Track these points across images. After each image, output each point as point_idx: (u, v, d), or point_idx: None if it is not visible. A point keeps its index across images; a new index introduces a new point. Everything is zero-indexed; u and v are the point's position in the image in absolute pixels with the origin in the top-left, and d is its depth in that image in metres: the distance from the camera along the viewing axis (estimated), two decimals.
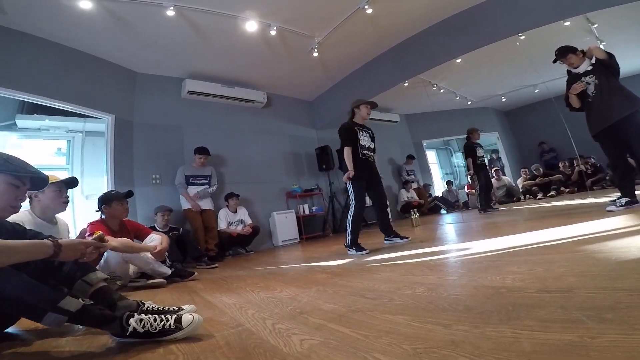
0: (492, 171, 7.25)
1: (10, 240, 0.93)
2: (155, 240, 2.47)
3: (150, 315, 1.10)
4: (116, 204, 2.38)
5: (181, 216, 4.20)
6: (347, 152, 2.87)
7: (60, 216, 2.07)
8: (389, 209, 3.40)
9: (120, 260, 2.25)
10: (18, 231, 1.18)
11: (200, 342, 1.03)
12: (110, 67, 4.21)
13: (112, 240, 2.17)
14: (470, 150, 4.80)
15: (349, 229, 2.82)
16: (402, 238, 2.90)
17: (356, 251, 2.71)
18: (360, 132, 2.98)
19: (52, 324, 0.97)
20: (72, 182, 1.97)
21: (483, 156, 4.87)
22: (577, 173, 6.19)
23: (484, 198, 4.76)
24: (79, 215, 4.82)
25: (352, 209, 2.86)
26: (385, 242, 2.96)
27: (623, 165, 2.61)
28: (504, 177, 7.01)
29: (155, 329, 1.06)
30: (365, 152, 2.95)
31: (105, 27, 3.52)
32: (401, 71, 5.04)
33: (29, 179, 1.23)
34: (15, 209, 1.22)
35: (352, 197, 2.87)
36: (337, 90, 6.07)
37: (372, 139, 3.09)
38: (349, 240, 2.80)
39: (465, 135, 5.02)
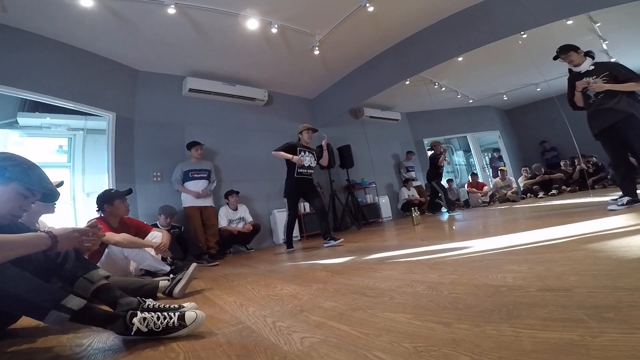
0: (498, 171, 7.25)
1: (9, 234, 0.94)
2: (157, 237, 2.47)
3: (153, 314, 1.09)
4: (119, 202, 2.38)
5: (182, 214, 4.20)
6: (275, 153, 3.53)
7: (43, 219, 2.08)
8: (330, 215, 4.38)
9: (120, 257, 2.25)
10: (23, 230, 1.18)
11: (201, 339, 1.04)
12: (112, 65, 4.21)
13: (115, 235, 2.18)
14: (434, 159, 5.67)
15: (284, 233, 3.70)
16: (335, 240, 3.34)
17: (287, 248, 3.60)
18: (302, 153, 3.51)
19: (54, 322, 0.97)
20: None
21: (442, 165, 5.83)
22: (579, 172, 6.18)
23: (446, 200, 5.71)
24: (80, 213, 4.84)
25: (287, 218, 3.66)
26: (324, 245, 3.36)
27: (624, 165, 2.61)
28: (508, 177, 6.98)
29: (159, 327, 1.06)
30: (302, 171, 3.51)
31: (106, 25, 3.52)
32: (402, 69, 5.02)
33: (40, 193, 1.21)
34: (16, 217, 1.18)
35: (288, 210, 3.62)
36: (338, 88, 6.06)
37: (315, 158, 3.67)
38: (286, 240, 3.68)
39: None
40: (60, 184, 1.90)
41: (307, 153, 3.57)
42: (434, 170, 5.68)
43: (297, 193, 3.60)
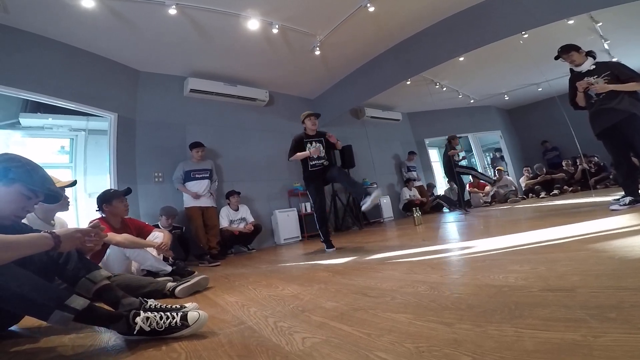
0: (495, 170, 7.22)
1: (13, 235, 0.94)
2: (158, 237, 2.48)
3: (156, 313, 1.10)
4: (117, 202, 2.38)
5: (184, 215, 4.21)
6: (293, 158, 3.28)
7: (60, 215, 2.13)
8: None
9: (122, 257, 2.25)
10: (26, 231, 1.19)
11: (203, 339, 1.04)
12: (113, 65, 4.21)
13: (117, 236, 2.18)
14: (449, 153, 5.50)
15: (320, 230, 3.27)
16: (370, 194, 2.84)
17: (327, 247, 3.16)
18: (309, 144, 3.30)
19: (58, 322, 0.97)
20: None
21: (459, 161, 5.70)
22: (581, 172, 6.16)
23: (463, 199, 5.53)
24: (82, 214, 4.85)
25: (314, 212, 3.29)
26: (362, 204, 2.85)
27: (626, 164, 2.60)
28: (506, 177, 6.95)
29: (162, 327, 1.06)
30: (314, 162, 3.27)
31: (107, 25, 3.53)
32: (403, 69, 5.02)
33: (43, 195, 1.22)
34: (19, 218, 1.19)
35: (312, 200, 3.31)
36: (339, 89, 6.06)
37: (325, 146, 3.36)
38: (323, 239, 3.24)
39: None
40: (73, 183, 1.92)
41: (314, 143, 3.34)
42: (454, 165, 5.39)
43: (317, 181, 3.31)
